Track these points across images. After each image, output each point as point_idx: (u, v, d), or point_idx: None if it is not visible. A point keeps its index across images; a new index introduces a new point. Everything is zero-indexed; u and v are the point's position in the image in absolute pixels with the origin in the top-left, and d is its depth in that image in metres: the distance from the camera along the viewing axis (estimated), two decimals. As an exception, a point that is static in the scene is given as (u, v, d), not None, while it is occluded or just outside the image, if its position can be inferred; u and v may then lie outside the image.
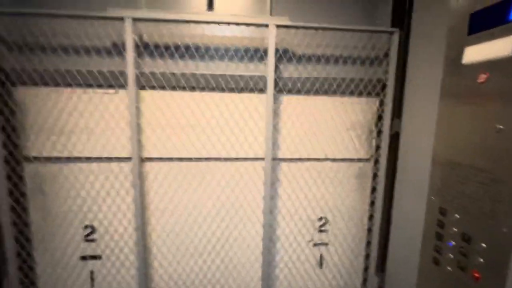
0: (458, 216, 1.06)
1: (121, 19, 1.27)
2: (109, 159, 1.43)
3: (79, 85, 1.35)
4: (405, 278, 1.39)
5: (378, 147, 1.55)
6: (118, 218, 1.48)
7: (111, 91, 1.39)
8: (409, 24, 1.42)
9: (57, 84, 1.34)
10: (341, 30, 1.42)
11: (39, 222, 1.46)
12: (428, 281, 1.22)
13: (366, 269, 1.66)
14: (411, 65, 1.42)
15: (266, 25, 1.34)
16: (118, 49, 1.35)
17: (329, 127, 1.54)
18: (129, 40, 1.28)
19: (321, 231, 1.63)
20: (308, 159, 1.55)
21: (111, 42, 1.37)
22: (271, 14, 1.48)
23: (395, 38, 1.43)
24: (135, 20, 1.28)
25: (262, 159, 1.44)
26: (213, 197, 1.52)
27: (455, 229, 1.07)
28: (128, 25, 1.26)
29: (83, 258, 1.51)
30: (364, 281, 1.67)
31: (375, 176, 1.57)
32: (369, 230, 1.63)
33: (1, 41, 1.31)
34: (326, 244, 1.64)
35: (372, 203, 1.60)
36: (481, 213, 0.96)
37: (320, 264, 1.65)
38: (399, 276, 1.48)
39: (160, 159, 1.46)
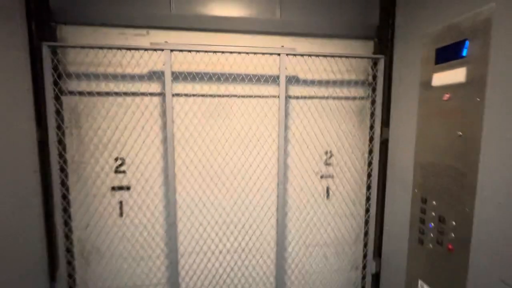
0: (435, 203, 1.37)
1: (162, 50, 1.56)
2: (143, 94, 1.69)
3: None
4: (397, 259, 1.67)
5: (370, 152, 1.86)
6: (146, 150, 1.73)
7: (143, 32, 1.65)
8: (392, 52, 1.76)
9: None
10: (339, 57, 1.76)
11: (73, 153, 1.69)
12: (415, 259, 1.51)
13: (364, 255, 1.93)
14: (395, 84, 1.75)
15: (278, 54, 1.66)
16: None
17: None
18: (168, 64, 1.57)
19: (327, 164, 1.90)
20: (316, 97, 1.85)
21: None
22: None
23: (381, 63, 1.77)
24: (173, 50, 1.57)
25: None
26: (231, 127, 1.79)
27: (433, 213, 1.38)
28: (167, 55, 1.56)
29: (113, 188, 1.73)
30: (364, 266, 1.94)
31: (369, 175, 1.88)
32: (366, 222, 1.92)
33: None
34: (332, 177, 1.90)
35: (368, 199, 1.90)
36: (451, 199, 1.27)
37: (327, 194, 1.91)
38: (392, 259, 1.76)
39: (186, 95, 1.73)
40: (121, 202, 1.75)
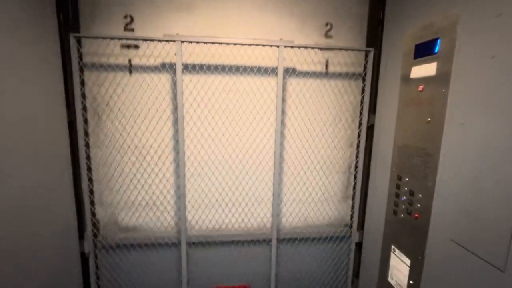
0: (407, 179, 1.60)
1: (173, 41, 1.76)
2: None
3: None
4: (377, 230, 1.93)
5: (358, 135, 2.08)
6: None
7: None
8: (380, 46, 1.94)
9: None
10: (332, 49, 1.94)
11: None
12: (391, 228, 1.76)
13: (350, 226, 2.20)
14: (381, 75, 1.94)
15: (277, 46, 1.85)
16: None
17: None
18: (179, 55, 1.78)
19: (327, 36, 2.00)
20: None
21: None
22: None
23: (371, 55, 1.95)
24: (183, 42, 1.77)
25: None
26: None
27: (405, 188, 1.61)
28: (178, 46, 1.76)
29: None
30: (349, 236, 2.21)
31: (356, 157, 2.11)
32: (352, 198, 2.17)
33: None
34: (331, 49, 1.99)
35: (355, 177, 2.14)
36: (419, 175, 1.50)
37: (326, 68, 2.05)
38: (373, 230, 2.02)
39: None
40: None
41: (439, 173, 1.37)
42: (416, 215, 1.52)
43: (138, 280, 2.10)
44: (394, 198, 1.72)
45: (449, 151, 1.31)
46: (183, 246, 2.00)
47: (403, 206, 1.63)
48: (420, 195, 1.49)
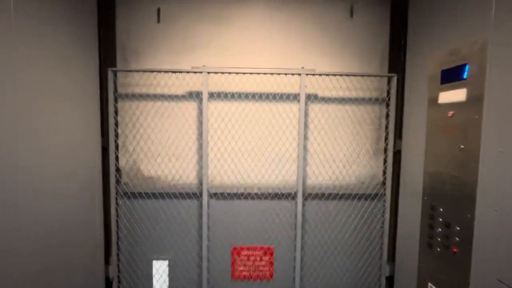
0: (441, 210, 1.50)
1: (200, 72, 1.87)
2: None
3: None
4: (409, 263, 1.78)
5: (385, 161, 2.01)
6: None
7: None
8: (403, 71, 1.93)
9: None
10: (354, 75, 1.96)
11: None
12: (425, 262, 1.63)
13: (379, 258, 2.06)
14: (406, 100, 1.91)
15: (299, 74, 1.90)
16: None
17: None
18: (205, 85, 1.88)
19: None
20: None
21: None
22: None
23: (394, 80, 1.93)
24: (210, 72, 1.88)
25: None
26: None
27: (440, 219, 1.50)
28: (205, 76, 1.86)
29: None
30: (379, 268, 2.06)
31: (383, 183, 2.02)
32: (381, 227, 2.05)
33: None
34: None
35: (383, 206, 2.04)
36: (455, 206, 1.40)
37: (351, 14, 2.00)
38: (405, 262, 1.87)
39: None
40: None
41: (478, 204, 1.27)
42: (455, 250, 1.39)
43: (158, 232, 2.04)
44: (428, 230, 1.61)
45: (488, 180, 1.22)
46: (205, 197, 1.93)
47: (439, 239, 1.52)
48: (458, 228, 1.38)
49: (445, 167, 1.48)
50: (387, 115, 2.00)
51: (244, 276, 2.11)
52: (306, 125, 2.01)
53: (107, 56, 1.93)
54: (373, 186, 2.05)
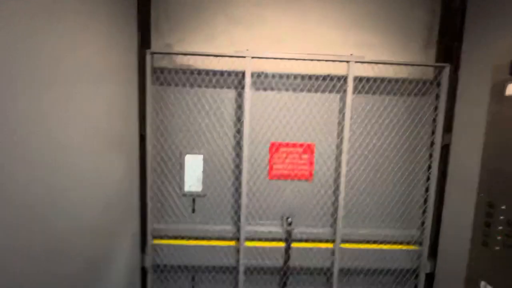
0: (504, 207, 1.43)
1: (243, 57, 1.77)
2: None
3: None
4: (455, 261, 1.73)
5: (430, 156, 1.94)
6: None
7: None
8: (458, 59, 1.82)
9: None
10: (404, 65, 1.85)
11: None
12: (478, 260, 1.57)
13: (419, 256, 2.01)
14: (461, 92, 1.81)
15: (347, 61, 1.80)
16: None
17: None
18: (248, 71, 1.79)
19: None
20: None
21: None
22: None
23: (446, 71, 1.84)
24: (254, 57, 1.78)
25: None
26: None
27: (501, 217, 1.44)
28: (248, 61, 1.77)
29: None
30: (417, 266, 2.02)
31: (428, 179, 1.96)
32: (422, 223, 1.99)
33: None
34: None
35: (425, 201, 1.97)
36: (523, 204, 1.33)
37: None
38: (449, 260, 1.83)
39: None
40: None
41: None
42: (519, 249, 1.33)
43: (197, 120, 1.96)
44: (484, 227, 1.54)
45: None
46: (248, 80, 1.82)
47: (499, 237, 1.45)
48: (525, 227, 1.32)
49: (508, 163, 1.40)
50: (436, 107, 1.91)
51: (282, 176, 2.02)
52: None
53: (144, 38, 1.82)
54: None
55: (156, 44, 1.88)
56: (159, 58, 1.89)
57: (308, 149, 1.99)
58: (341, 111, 1.93)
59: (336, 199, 1.97)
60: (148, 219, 1.91)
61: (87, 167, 1.25)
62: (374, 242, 2.03)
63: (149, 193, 1.90)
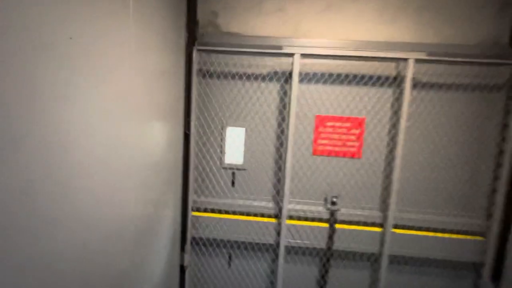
0: None
1: (292, 54, 1.70)
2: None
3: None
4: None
5: (497, 165, 1.73)
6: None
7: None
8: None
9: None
10: (479, 63, 1.65)
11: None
12: None
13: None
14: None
15: (405, 59, 1.64)
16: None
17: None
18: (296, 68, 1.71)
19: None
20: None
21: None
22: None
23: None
24: (303, 55, 1.70)
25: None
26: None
27: None
28: (297, 59, 1.69)
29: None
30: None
31: (496, 178, 1.74)
32: (484, 236, 1.78)
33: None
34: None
35: (487, 212, 1.77)
36: None
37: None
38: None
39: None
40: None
41: None
42: None
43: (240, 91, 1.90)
44: None
45: None
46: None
47: None
48: None
49: None
50: (506, 106, 1.68)
51: (328, 152, 1.87)
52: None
53: (191, 34, 1.77)
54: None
55: (202, 11, 1.83)
56: (205, 23, 1.84)
57: (358, 123, 1.84)
58: (398, 84, 1.76)
59: (387, 179, 1.81)
60: (190, 190, 1.88)
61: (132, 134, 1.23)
62: (428, 229, 1.84)
63: (192, 165, 1.87)
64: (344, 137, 1.86)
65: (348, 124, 1.85)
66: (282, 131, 1.88)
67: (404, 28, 1.73)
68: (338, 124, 1.85)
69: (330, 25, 1.78)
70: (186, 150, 1.85)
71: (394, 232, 1.81)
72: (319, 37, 1.79)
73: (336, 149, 1.87)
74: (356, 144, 1.86)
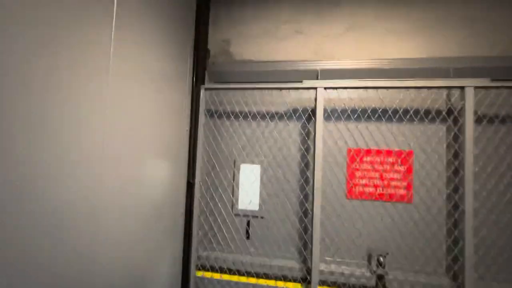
0: None
1: (315, 88, 1.44)
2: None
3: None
4: None
5: None
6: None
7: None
8: None
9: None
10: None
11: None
12: None
13: None
14: None
15: (462, 87, 1.32)
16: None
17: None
18: (320, 102, 1.43)
19: None
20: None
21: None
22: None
23: None
24: (327, 88, 1.44)
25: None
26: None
27: None
28: (320, 93, 1.43)
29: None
30: None
31: None
32: None
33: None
34: None
35: None
36: None
37: None
38: None
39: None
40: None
41: None
42: None
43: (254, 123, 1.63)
44: None
45: None
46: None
47: None
48: None
49: None
50: None
51: (367, 195, 1.46)
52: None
53: (198, 73, 1.61)
54: None
55: (213, 39, 1.69)
56: (217, 54, 1.69)
57: (405, 158, 1.46)
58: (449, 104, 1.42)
59: (452, 232, 1.34)
60: (193, 243, 1.52)
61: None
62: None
63: (196, 211, 1.54)
64: (387, 175, 1.47)
65: (391, 159, 1.47)
66: (307, 168, 1.54)
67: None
68: (377, 159, 1.48)
69: (356, 46, 1.55)
70: (189, 200, 1.54)
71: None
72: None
73: (378, 191, 1.47)
74: (404, 183, 1.45)
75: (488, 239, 1.35)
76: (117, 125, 0.94)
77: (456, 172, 1.37)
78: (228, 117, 1.65)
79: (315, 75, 1.54)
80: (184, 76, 1.49)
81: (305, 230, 1.51)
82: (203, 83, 1.63)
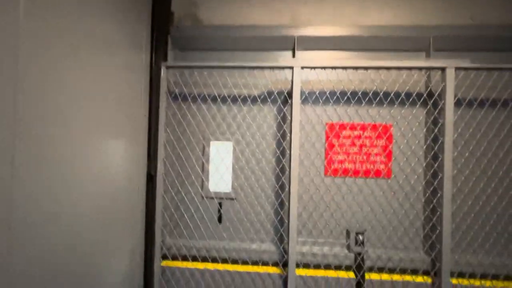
0: None
1: (291, 67, 1.31)
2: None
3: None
4: None
5: None
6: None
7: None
8: None
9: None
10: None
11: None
12: None
13: None
14: None
15: (442, 68, 1.26)
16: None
17: None
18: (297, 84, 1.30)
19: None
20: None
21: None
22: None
23: None
24: (303, 67, 1.31)
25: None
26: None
27: None
28: (297, 72, 1.30)
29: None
30: None
31: None
32: None
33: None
34: None
35: None
36: None
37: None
38: None
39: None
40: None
41: None
42: None
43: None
44: None
45: None
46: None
47: None
48: None
49: None
50: None
51: (345, 171, 1.40)
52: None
53: (159, 42, 1.39)
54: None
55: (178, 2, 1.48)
56: (182, 18, 1.48)
57: (384, 132, 1.40)
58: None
59: (432, 210, 1.32)
60: (156, 231, 1.35)
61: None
62: (495, 276, 1.30)
63: (159, 193, 1.36)
64: (366, 150, 1.40)
65: (371, 133, 1.40)
66: (283, 145, 1.42)
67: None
68: (357, 133, 1.41)
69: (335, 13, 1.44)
70: (152, 193, 1.36)
71: (452, 283, 1.26)
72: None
73: (357, 166, 1.40)
74: (384, 159, 1.39)
75: (465, 217, 1.34)
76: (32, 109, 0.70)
77: (434, 153, 1.33)
78: (195, 99, 1.47)
79: (292, 42, 1.41)
80: (139, 47, 1.27)
81: (280, 210, 1.41)
82: (165, 54, 1.42)
